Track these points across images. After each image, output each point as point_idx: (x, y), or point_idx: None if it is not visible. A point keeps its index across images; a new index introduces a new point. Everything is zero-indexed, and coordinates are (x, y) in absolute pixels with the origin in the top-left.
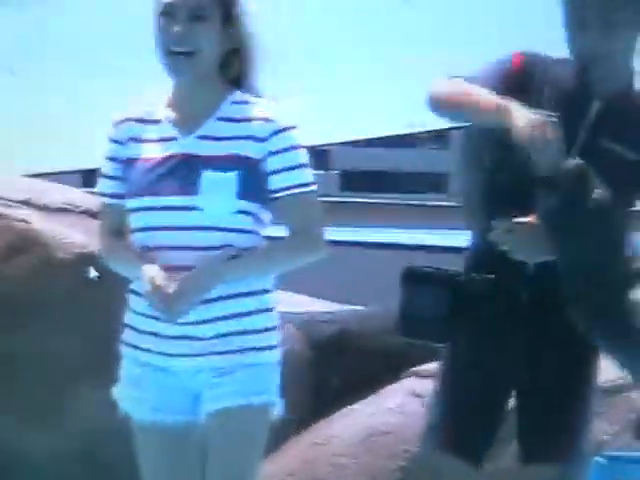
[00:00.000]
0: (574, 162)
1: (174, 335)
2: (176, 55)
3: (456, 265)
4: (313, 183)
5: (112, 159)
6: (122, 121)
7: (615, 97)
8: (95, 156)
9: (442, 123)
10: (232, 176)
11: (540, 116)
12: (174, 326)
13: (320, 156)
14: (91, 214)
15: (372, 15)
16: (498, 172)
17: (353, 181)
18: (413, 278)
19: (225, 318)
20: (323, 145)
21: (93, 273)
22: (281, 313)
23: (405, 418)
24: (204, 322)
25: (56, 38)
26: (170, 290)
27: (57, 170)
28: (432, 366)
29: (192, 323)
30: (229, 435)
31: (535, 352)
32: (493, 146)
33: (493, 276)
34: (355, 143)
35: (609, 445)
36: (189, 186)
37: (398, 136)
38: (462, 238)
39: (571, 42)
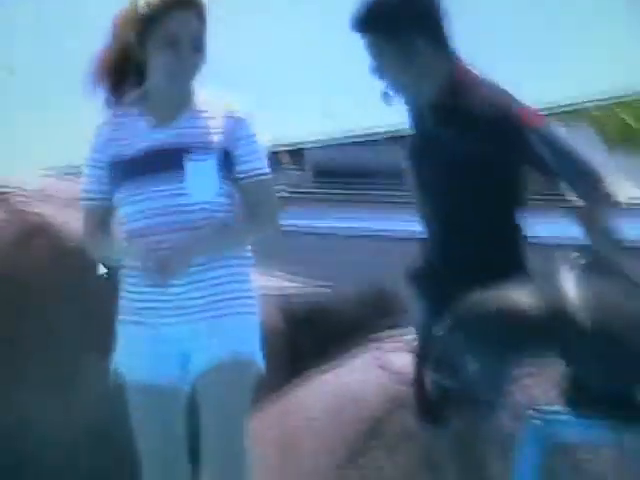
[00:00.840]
0: None
1: (165, 305)
2: (180, 79)
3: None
4: (269, 168)
5: (94, 164)
6: (101, 126)
7: (435, 101)
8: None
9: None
10: (212, 162)
11: None
12: (165, 295)
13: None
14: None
15: None
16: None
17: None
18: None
19: (212, 286)
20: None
21: (101, 270)
22: (260, 291)
23: (371, 385)
24: (193, 290)
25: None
26: (161, 254)
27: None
28: (396, 336)
29: (182, 292)
30: (223, 387)
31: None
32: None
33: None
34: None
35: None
36: (175, 174)
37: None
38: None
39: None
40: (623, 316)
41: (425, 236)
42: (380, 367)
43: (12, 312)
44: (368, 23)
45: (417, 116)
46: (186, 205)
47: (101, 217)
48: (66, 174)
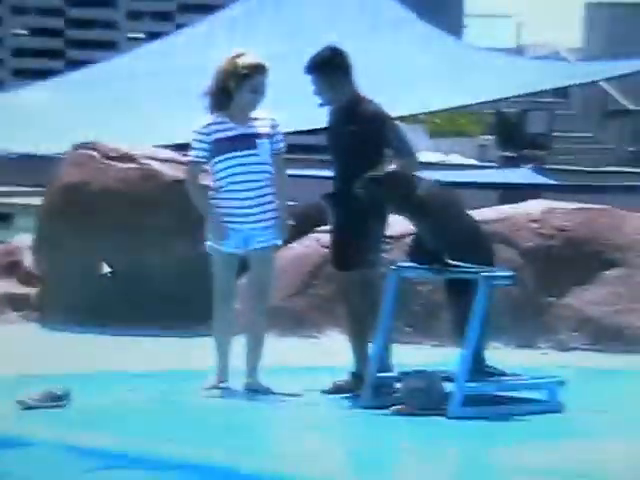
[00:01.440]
0: (393, 167)
1: (244, 220)
2: (254, 107)
3: None
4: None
5: (202, 141)
6: (206, 123)
7: (343, 109)
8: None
9: None
10: (267, 142)
11: None
12: (242, 217)
13: None
14: (179, 162)
15: None
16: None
17: None
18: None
19: (264, 211)
20: None
21: (106, 269)
22: None
23: (312, 249)
24: (257, 211)
25: None
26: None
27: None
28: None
29: (251, 214)
30: (265, 256)
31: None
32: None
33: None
34: None
35: None
36: (250, 147)
37: None
38: None
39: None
40: (446, 213)
41: (334, 176)
42: (317, 240)
43: (140, 215)
44: (309, 70)
45: (333, 116)
46: (256, 163)
47: (201, 172)
48: (165, 146)
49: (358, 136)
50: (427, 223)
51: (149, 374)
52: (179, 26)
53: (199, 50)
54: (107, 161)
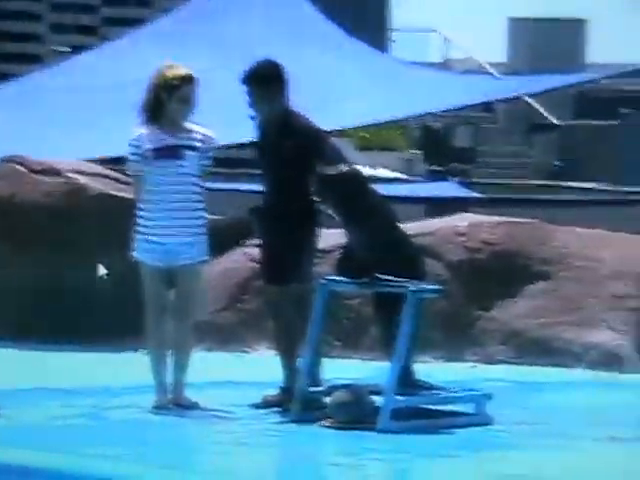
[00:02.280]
0: (345, 167)
1: (168, 232)
2: (186, 117)
3: None
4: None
5: (136, 152)
6: (139, 133)
7: (275, 123)
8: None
9: None
10: (196, 154)
11: None
12: (166, 229)
13: None
14: (105, 176)
15: None
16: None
17: None
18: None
19: (190, 226)
20: None
21: (102, 271)
22: None
23: (241, 263)
24: (182, 224)
25: None
26: None
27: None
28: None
29: (175, 226)
30: (191, 273)
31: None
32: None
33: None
34: None
35: None
36: (178, 157)
37: None
38: None
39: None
40: (388, 221)
41: (264, 190)
42: (245, 254)
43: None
44: (245, 81)
45: (264, 129)
46: (183, 174)
47: (140, 181)
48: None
49: (290, 150)
50: (370, 228)
51: (73, 389)
52: (104, 39)
53: (125, 64)
54: (33, 175)
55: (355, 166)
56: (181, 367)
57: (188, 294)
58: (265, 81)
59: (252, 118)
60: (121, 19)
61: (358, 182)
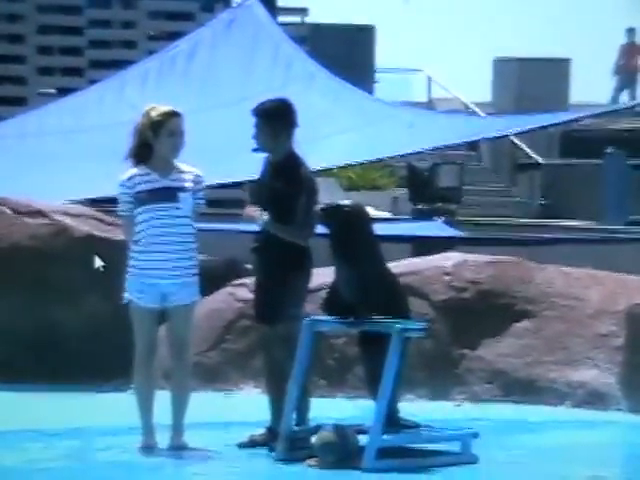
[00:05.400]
0: (347, 202)
1: (163, 274)
2: (175, 154)
3: None
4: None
5: (126, 194)
6: (129, 176)
7: (275, 163)
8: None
9: None
10: (190, 195)
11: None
12: (161, 271)
13: None
14: (91, 217)
15: None
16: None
17: None
18: None
19: (183, 267)
20: None
21: (98, 263)
22: None
23: (227, 303)
24: (176, 266)
25: None
26: None
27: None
28: (241, 281)
29: (169, 268)
30: (184, 314)
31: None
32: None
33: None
34: None
35: None
36: (172, 200)
37: None
38: None
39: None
40: (381, 261)
41: (259, 229)
42: (231, 295)
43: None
44: (255, 113)
45: (267, 168)
46: (178, 216)
47: (132, 222)
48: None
49: (291, 193)
50: (362, 265)
51: (56, 431)
52: (91, 82)
53: (110, 106)
54: (18, 216)
55: (312, 234)
56: (181, 408)
57: (182, 335)
58: (273, 117)
59: (254, 150)
60: (107, 61)
61: (365, 217)
